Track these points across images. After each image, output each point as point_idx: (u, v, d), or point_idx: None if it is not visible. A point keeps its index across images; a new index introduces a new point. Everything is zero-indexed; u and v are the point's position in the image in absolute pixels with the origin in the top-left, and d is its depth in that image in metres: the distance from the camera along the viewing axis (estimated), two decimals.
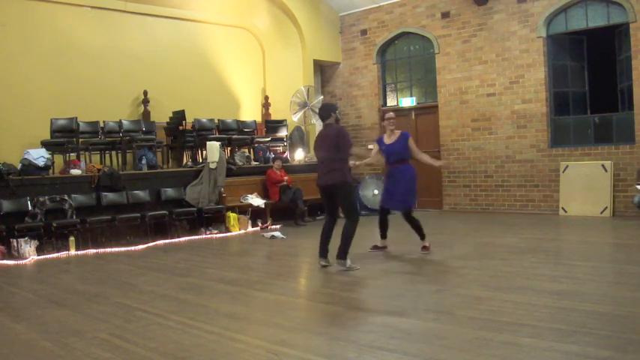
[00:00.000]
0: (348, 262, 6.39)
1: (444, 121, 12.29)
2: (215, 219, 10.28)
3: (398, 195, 7.15)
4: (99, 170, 9.50)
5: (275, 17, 13.45)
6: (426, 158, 7.51)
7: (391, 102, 13.47)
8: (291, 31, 13.59)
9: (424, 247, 7.23)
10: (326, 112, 6.64)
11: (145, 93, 11.26)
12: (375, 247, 7.54)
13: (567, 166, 10.67)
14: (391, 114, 7.51)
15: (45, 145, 9.45)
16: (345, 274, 6.23)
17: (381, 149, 7.39)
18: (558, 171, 10.79)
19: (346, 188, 6.46)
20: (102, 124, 10.36)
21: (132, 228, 9.49)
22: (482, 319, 4.34)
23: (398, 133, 7.32)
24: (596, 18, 10.46)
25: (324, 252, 6.63)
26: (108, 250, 8.65)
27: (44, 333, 4.46)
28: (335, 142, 6.45)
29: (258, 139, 12.00)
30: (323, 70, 14.44)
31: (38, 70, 10.22)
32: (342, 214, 6.73)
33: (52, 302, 5.51)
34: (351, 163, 6.99)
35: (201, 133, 11.23)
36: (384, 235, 7.51)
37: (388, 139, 7.33)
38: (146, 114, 11.24)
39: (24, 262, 7.88)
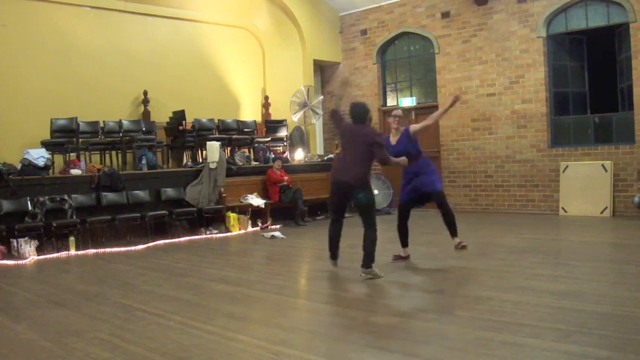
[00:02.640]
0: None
1: (444, 121, 12.22)
2: (215, 219, 10.27)
3: (423, 181, 6.43)
4: (99, 170, 9.50)
5: (275, 17, 13.45)
6: (439, 112, 6.75)
7: (391, 102, 13.46)
8: (291, 31, 13.59)
9: (459, 244, 6.46)
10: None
11: (145, 93, 11.26)
12: (398, 257, 6.79)
13: (567, 166, 10.66)
14: (398, 111, 6.65)
15: (45, 145, 9.45)
16: (345, 275, 6.22)
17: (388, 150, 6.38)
18: (558, 171, 10.79)
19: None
20: (102, 124, 10.37)
21: (132, 228, 9.48)
22: (482, 319, 4.34)
23: (401, 130, 6.52)
24: (596, 18, 10.46)
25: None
26: (108, 250, 8.64)
27: (44, 333, 4.46)
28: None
29: (258, 139, 12.01)
30: (323, 70, 14.43)
31: (38, 70, 10.22)
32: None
33: (52, 302, 5.51)
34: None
35: (201, 133, 11.23)
36: (404, 243, 6.75)
37: (393, 139, 6.54)
38: (146, 114, 11.25)
39: (24, 262, 7.87)
